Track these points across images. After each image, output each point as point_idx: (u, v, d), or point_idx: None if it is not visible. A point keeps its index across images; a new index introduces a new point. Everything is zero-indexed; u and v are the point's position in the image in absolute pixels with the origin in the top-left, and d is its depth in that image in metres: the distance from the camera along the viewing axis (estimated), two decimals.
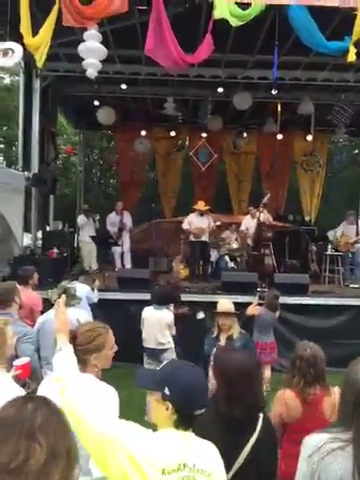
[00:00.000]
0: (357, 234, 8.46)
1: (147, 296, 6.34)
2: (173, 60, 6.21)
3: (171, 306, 5.06)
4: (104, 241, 8.95)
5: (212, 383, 2.35)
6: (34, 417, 0.98)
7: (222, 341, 3.73)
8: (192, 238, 8.38)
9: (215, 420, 1.82)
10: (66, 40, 7.34)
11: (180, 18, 6.30)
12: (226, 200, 13.27)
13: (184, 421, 1.46)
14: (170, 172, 13.21)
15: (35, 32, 5.98)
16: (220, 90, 9.76)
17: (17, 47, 6.17)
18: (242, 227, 8.81)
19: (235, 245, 9.34)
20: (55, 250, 8.49)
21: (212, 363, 2.29)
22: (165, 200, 13.40)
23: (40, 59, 6.12)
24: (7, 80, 18.48)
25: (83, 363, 2.04)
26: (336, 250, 8.80)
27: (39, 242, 9.44)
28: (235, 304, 6.64)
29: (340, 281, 8.58)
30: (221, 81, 9.31)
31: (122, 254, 9.28)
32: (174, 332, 4.82)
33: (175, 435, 1.45)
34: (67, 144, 17.98)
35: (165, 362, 1.66)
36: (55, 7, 5.74)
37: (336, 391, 2.36)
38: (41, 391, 2.07)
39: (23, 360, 2.65)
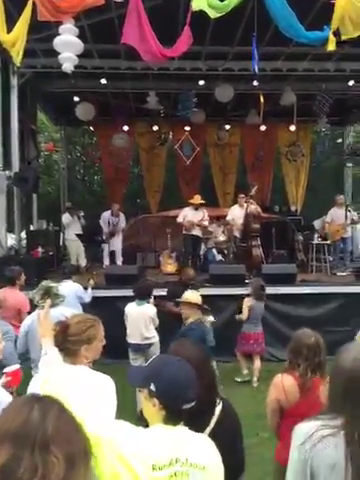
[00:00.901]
0: (346, 218, 8.49)
1: None
2: (152, 54, 6.15)
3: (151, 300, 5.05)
4: (90, 239, 8.86)
5: None
6: (45, 425, 0.92)
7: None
8: (184, 231, 8.39)
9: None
10: (42, 35, 7.20)
11: (158, 11, 6.23)
12: (211, 193, 13.26)
13: (173, 416, 1.46)
14: (154, 166, 13.14)
15: (10, 29, 5.87)
16: (201, 83, 9.73)
17: None
18: (228, 217, 8.72)
19: (222, 238, 9.37)
20: (40, 249, 8.39)
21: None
22: (150, 195, 13.34)
23: (17, 56, 6.00)
24: None
25: (73, 355, 2.06)
26: (324, 239, 8.86)
27: (23, 242, 9.32)
28: (224, 296, 6.74)
29: (327, 270, 8.67)
30: (202, 74, 9.27)
31: (112, 252, 9.17)
32: (157, 323, 4.84)
33: (165, 431, 1.44)
34: (48, 141, 17.74)
35: (152, 358, 1.64)
36: (29, 2, 5.62)
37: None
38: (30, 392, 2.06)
39: (13, 367, 2.62)
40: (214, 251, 9.21)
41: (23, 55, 6.05)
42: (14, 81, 8.62)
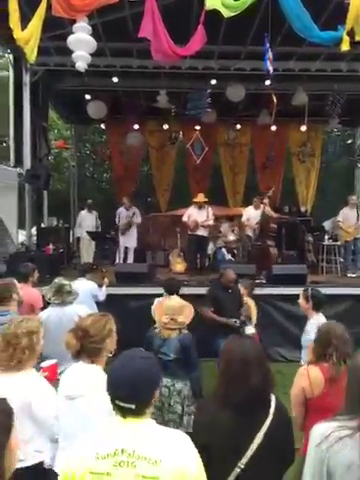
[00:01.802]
0: (358, 219, 8.40)
1: (146, 290, 6.36)
2: (165, 53, 6.15)
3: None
4: (101, 236, 8.89)
5: None
6: None
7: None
8: (189, 231, 8.36)
9: (222, 407, 1.80)
10: (56, 33, 7.25)
11: (171, 9, 6.23)
12: (221, 192, 13.25)
13: (116, 410, 1.48)
14: (164, 165, 13.14)
15: (24, 26, 5.89)
16: (213, 82, 9.70)
17: None
18: (244, 218, 8.74)
19: (232, 237, 9.34)
20: (51, 246, 8.44)
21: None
22: (160, 193, 13.35)
23: (31, 53, 6.02)
24: None
25: (98, 353, 2.15)
26: (334, 240, 8.78)
27: (34, 239, 9.38)
28: None
29: (338, 271, 8.61)
30: (214, 73, 9.25)
31: (126, 249, 9.10)
32: None
33: (115, 422, 1.48)
34: (58, 139, 17.82)
35: None
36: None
37: None
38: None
39: (49, 362, 2.65)
40: (224, 250, 9.19)
41: (37, 53, 6.08)
42: (26, 78, 8.67)
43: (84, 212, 9.59)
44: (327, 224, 9.51)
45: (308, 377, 2.47)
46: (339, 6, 6.28)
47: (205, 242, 8.58)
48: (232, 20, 6.18)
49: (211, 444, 1.73)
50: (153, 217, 10.80)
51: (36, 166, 8.78)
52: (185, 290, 6.16)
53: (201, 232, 8.27)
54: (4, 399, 1.29)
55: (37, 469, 2.12)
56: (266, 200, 8.18)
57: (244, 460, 1.72)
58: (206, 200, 8.50)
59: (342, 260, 8.67)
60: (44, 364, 2.63)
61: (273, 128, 11.99)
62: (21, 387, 2.15)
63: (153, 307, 4.44)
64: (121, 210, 9.23)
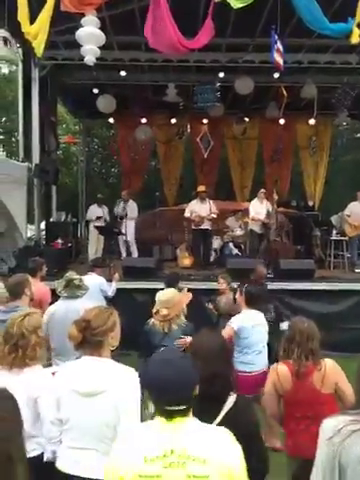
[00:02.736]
0: None
1: (153, 285, 6.38)
2: (173, 46, 6.12)
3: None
4: (109, 231, 8.91)
5: None
6: None
7: None
8: (193, 226, 8.35)
9: None
10: (64, 27, 7.24)
11: (179, 2, 6.19)
12: (229, 187, 13.20)
13: (162, 414, 1.45)
14: (172, 159, 13.12)
15: (33, 20, 5.90)
16: (221, 75, 9.63)
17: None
18: (253, 213, 8.39)
19: (239, 232, 9.32)
20: (59, 241, 8.48)
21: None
22: (167, 187, 13.34)
23: (39, 47, 6.03)
24: (5, 70, 18.31)
25: (100, 346, 2.11)
26: (342, 235, 8.72)
27: (43, 233, 9.43)
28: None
29: (345, 266, 8.57)
30: (222, 66, 9.18)
31: (126, 243, 9.20)
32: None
33: (161, 423, 1.45)
34: (67, 134, 17.86)
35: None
36: None
37: (327, 363, 2.50)
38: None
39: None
40: (231, 245, 9.18)
41: (45, 47, 6.08)
42: (35, 73, 8.68)
43: (94, 207, 9.61)
44: (334, 219, 9.43)
45: (277, 373, 2.54)
46: None
47: (210, 236, 8.55)
48: (240, 12, 6.12)
49: None
50: (161, 211, 10.80)
51: (45, 161, 8.82)
52: (191, 285, 6.18)
53: (205, 226, 8.25)
54: (4, 388, 1.29)
55: (36, 461, 2.12)
56: (275, 195, 8.14)
57: None
58: (207, 190, 8.49)
59: (349, 255, 8.62)
60: (53, 370, 2.65)
61: (281, 121, 11.89)
62: (29, 383, 2.17)
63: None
64: (118, 205, 9.30)
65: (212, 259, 8.93)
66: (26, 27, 5.89)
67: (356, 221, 8.30)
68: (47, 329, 3.62)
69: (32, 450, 2.14)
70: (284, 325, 4.61)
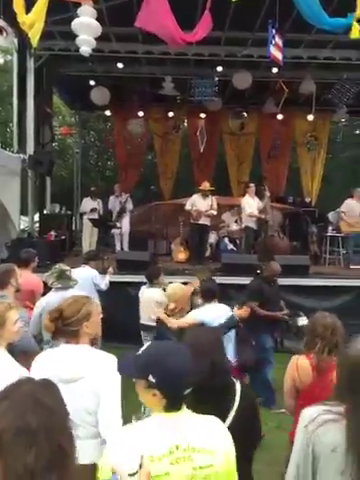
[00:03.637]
0: None
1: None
2: (172, 39, 6.06)
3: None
4: (103, 224, 8.87)
5: None
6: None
7: None
8: (192, 220, 8.31)
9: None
10: (61, 17, 7.13)
11: None
12: (225, 181, 13.15)
13: (174, 404, 1.45)
14: (168, 153, 13.04)
15: (29, 9, 5.80)
16: (219, 69, 9.56)
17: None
18: (248, 210, 8.20)
19: (235, 227, 9.29)
20: (53, 233, 8.43)
21: None
22: (163, 181, 13.27)
23: (34, 37, 5.94)
24: (0, 60, 18.11)
25: (76, 335, 2.11)
26: (339, 232, 8.72)
27: (36, 225, 9.37)
28: (236, 285, 6.72)
29: (341, 262, 8.57)
30: (220, 59, 9.11)
31: (121, 236, 9.21)
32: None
33: (163, 419, 1.44)
34: (63, 125, 17.73)
35: (145, 346, 1.60)
36: None
37: None
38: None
39: None
40: (226, 240, 9.16)
41: (40, 37, 5.99)
42: (31, 64, 8.57)
43: (87, 199, 9.59)
44: (332, 215, 9.42)
45: (296, 366, 2.53)
46: None
47: (207, 231, 8.52)
48: (239, 6, 6.06)
49: None
50: (156, 205, 10.75)
51: (39, 152, 8.73)
52: (185, 279, 6.16)
53: (203, 221, 8.22)
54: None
55: None
56: (267, 192, 8.11)
57: None
58: (213, 189, 8.42)
59: (344, 252, 8.63)
60: None
61: (279, 117, 11.85)
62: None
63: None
64: (110, 199, 9.45)
65: (207, 254, 8.91)
66: (22, 16, 5.80)
67: (351, 218, 8.30)
68: (40, 321, 3.60)
69: None
70: (301, 320, 4.61)
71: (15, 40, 8.51)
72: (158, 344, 1.70)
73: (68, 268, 3.98)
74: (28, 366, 2.17)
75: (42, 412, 1.01)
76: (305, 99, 11.07)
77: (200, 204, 8.20)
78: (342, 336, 2.48)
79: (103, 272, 5.77)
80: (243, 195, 8.78)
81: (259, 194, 8.43)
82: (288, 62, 8.88)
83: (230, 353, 3.69)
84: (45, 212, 10.39)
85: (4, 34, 8.41)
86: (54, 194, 11.53)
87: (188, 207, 8.29)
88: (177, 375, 1.43)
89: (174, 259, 8.84)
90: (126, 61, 9.49)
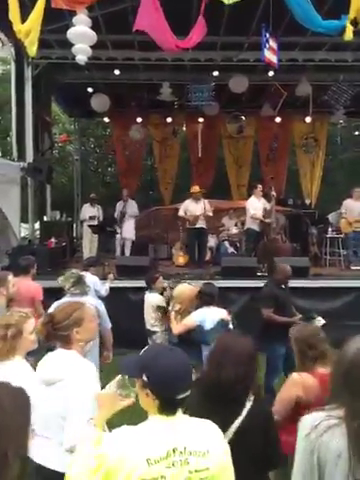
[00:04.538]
0: None
1: None
2: (167, 46, 6.09)
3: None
4: (103, 230, 8.89)
5: None
6: None
7: None
8: (188, 225, 8.31)
9: (201, 402, 1.83)
10: (57, 26, 7.19)
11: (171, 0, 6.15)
12: (225, 185, 13.18)
13: (167, 406, 1.45)
14: (167, 158, 13.09)
15: (24, 18, 5.85)
16: (216, 74, 9.61)
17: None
18: (252, 211, 8.12)
19: (234, 230, 9.31)
20: (53, 240, 8.45)
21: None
22: (163, 186, 13.32)
23: (31, 46, 5.98)
24: None
25: (66, 340, 2.12)
26: (339, 233, 8.71)
27: (37, 233, 9.40)
28: (236, 289, 6.72)
29: (341, 263, 8.56)
30: (216, 64, 9.16)
31: (122, 241, 9.19)
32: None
33: (160, 422, 1.44)
34: (62, 133, 17.81)
35: (146, 347, 1.64)
36: None
37: None
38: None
39: None
40: (226, 244, 9.17)
41: (37, 46, 6.04)
42: (28, 72, 8.64)
43: (87, 206, 9.61)
44: (332, 216, 9.42)
45: (301, 385, 2.40)
46: None
47: (205, 234, 8.50)
48: (234, 10, 6.10)
49: None
50: (156, 210, 10.78)
51: (38, 160, 8.78)
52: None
53: (200, 224, 8.20)
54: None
55: None
56: (273, 192, 8.10)
57: None
58: (204, 191, 8.41)
59: (345, 253, 8.62)
60: None
61: (277, 120, 11.89)
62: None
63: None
64: (118, 204, 9.42)
65: (207, 258, 8.92)
66: (17, 25, 5.85)
67: (351, 218, 8.30)
68: None
69: None
70: (318, 321, 4.31)
71: (12, 50, 8.59)
72: (156, 346, 1.73)
73: (82, 274, 3.96)
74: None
75: None
76: (302, 101, 11.10)
77: (193, 208, 8.20)
78: (324, 346, 2.47)
79: (104, 278, 5.78)
80: (245, 197, 8.79)
81: (267, 196, 8.42)
82: (284, 65, 8.94)
83: None
84: (45, 219, 10.42)
85: (1, 44, 8.51)
86: (54, 201, 11.57)
87: (181, 213, 8.30)
88: (168, 376, 1.44)
89: (174, 264, 8.85)
90: (123, 68, 9.54)
